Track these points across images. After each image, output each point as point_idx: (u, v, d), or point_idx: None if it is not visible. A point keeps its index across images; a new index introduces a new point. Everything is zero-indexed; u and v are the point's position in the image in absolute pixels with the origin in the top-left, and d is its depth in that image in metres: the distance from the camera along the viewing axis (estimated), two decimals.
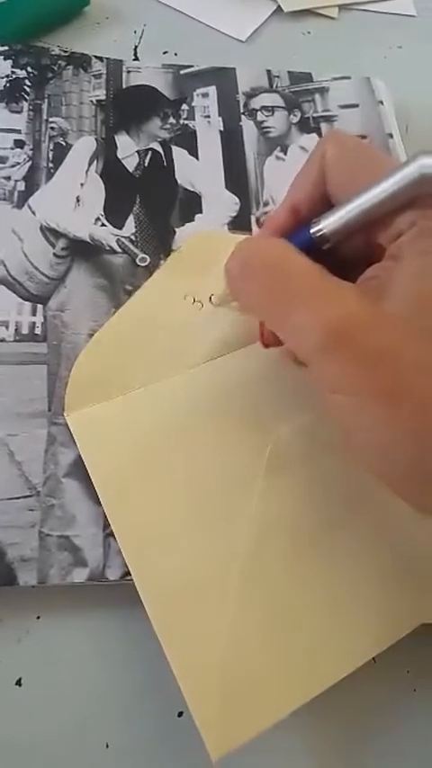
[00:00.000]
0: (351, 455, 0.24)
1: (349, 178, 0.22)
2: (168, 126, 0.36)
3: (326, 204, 0.23)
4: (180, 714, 0.24)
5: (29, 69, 0.36)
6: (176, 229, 0.32)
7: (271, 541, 0.25)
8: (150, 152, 0.35)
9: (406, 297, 0.19)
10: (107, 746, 0.24)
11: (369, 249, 0.22)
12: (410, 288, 0.19)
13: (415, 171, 0.20)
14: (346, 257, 0.23)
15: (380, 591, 0.24)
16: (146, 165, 0.34)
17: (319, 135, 0.37)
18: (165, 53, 0.41)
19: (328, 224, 0.22)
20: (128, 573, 0.24)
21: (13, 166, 0.33)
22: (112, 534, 0.25)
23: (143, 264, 0.31)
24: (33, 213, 0.31)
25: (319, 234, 0.22)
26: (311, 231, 0.22)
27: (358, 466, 0.24)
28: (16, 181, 0.32)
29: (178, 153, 0.35)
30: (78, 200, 0.32)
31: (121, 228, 0.32)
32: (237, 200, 0.34)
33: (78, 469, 0.26)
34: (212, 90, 0.38)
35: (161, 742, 0.24)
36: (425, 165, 0.20)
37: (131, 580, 0.24)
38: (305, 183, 0.24)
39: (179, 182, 0.34)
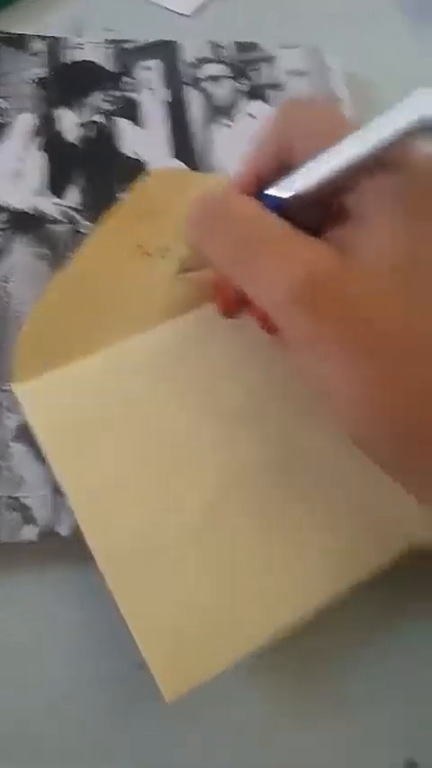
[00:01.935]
0: (323, 413, 0.23)
1: (309, 142, 0.21)
2: (111, 98, 0.35)
3: (286, 169, 0.22)
4: (140, 666, 0.23)
5: None
6: (120, 197, 0.31)
7: (225, 494, 0.24)
8: (93, 124, 0.34)
9: (374, 257, 0.19)
10: (67, 700, 0.23)
11: (328, 212, 0.21)
12: (379, 248, 0.19)
13: (412, 114, 0.18)
14: (305, 222, 0.21)
15: (332, 540, 0.23)
16: (89, 136, 0.33)
17: (267, 102, 0.36)
18: (109, 30, 0.40)
19: (289, 186, 0.21)
20: (78, 529, 0.23)
21: None
22: (61, 494, 0.24)
23: (87, 232, 0.30)
24: None
25: (281, 198, 0.21)
26: (272, 194, 0.21)
27: (327, 424, 0.23)
28: None
29: (121, 124, 0.34)
30: (19, 174, 0.31)
31: (63, 198, 0.31)
32: (184, 166, 0.33)
33: (26, 433, 0.25)
34: (156, 63, 0.37)
35: (122, 695, 0.23)
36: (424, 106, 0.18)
37: (82, 535, 0.23)
38: (266, 150, 0.23)
39: (123, 151, 0.33)
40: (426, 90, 0.18)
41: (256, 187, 0.23)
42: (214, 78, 0.37)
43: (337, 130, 0.20)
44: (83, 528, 0.23)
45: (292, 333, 0.19)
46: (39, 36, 0.37)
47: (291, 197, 0.21)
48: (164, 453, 0.24)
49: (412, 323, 0.18)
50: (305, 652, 0.24)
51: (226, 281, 0.25)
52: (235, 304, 0.26)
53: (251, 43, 0.38)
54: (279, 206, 0.21)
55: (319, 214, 0.21)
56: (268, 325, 0.25)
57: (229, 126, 0.35)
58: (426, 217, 0.19)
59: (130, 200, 0.30)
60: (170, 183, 0.31)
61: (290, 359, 0.20)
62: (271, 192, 0.21)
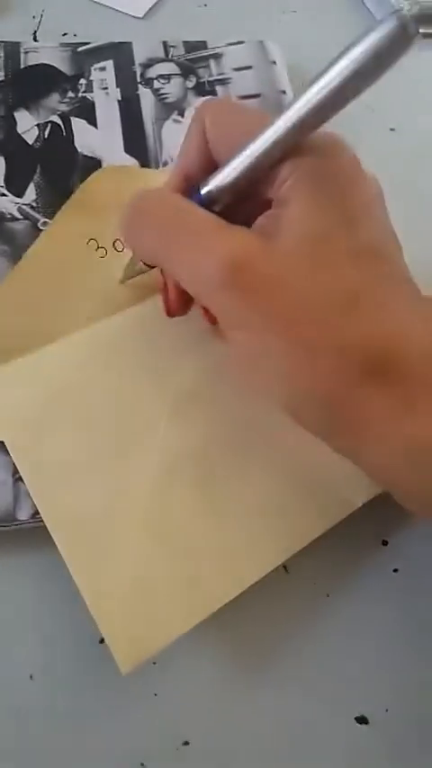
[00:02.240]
0: (253, 388, 0.25)
1: (231, 139, 0.23)
2: (67, 100, 0.37)
3: (215, 168, 0.23)
4: (101, 641, 0.25)
5: None
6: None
7: (174, 471, 0.26)
8: (50, 125, 0.36)
9: (296, 236, 0.20)
10: (31, 678, 0.24)
11: (261, 207, 0.23)
12: (299, 227, 0.20)
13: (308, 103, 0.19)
14: (241, 215, 0.23)
15: (280, 503, 0.25)
16: (45, 136, 0.35)
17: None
18: (64, 35, 0.42)
19: (214, 184, 0.23)
20: (37, 512, 0.25)
21: None
22: (20, 479, 0.26)
23: (44, 228, 0.32)
24: None
25: (207, 194, 0.23)
26: (201, 191, 0.23)
27: (259, 397, 0.25)
28: None
29: (77, 123, 0.36)
30: None
31: (21, 197, 0.33)
32: (136, 162, 0.35)
33: None
34: (109, 64, 0.39)
35: (85, 669, 0.24)
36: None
37: (41, 520, 0.25)
38: (191, 149, 0.24)
39: (79, 149, 0.35)
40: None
41: (187, 186, 0.24)
42: (164, 77, 0.38)
43: (255, 124, 0.21)
44: (39, 508, 0.24)
45: (220, 316, 0.20)
46: None
47: (207, 192, 0.22)
48: (115, 435, 0.26)
49: (321, 292, 0.19)
50: (254, 617, 0.25)
51: (168, 283, 0.27)
52: (178, 305, 0.27)
53: (200, 42, 0.40)
54: (203, 202, 0.23)
55: (253, 205, 0.23)
56: (209, 316, 0.27)
57: (179, 122, 0.37)
58: (332, 192, 0.20)
59: (82, 195, 0.32)
60: (121, 179, 0.33)
61: (226, 344, 0.21)
62: (194, 193, 0.23)
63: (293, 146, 0.21)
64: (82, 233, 0.31)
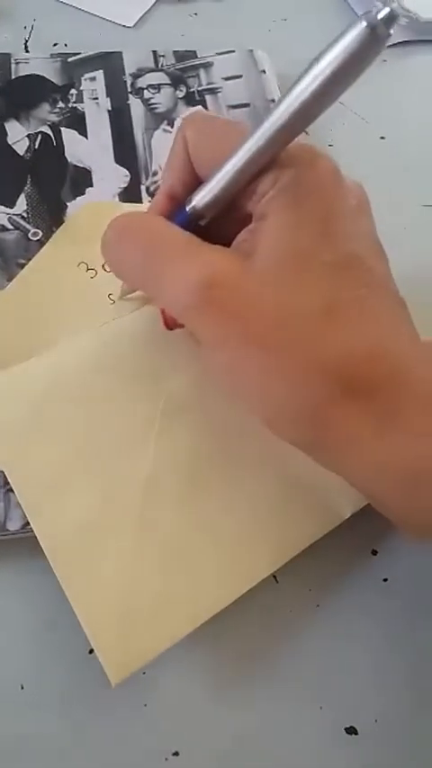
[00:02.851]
0: (235, 403, 0.25)
1: (213, 154, 0.23)
2: (58, 110, 0.37)
3: (199, 185, 0.23)
4: (91, 651, 0.25)
5: None
6: (68, 203, 0.33)
7: (165, 480, 0.26)
8: (40, 135, 0.36)
9: (272, 252, 0.20)
10: (22, 687, 0.24)
11: (245, 222, 0.23)
12: (275, 243, 0.20)
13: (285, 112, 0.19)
14: (225, 231, 0.23)
15: (269, 515, 0.25)
16: (36, 147, 0.35)
17: (205, 106, 0.38)
18: (55, 45, 0.42)
19: (197, 200, 0.23)
20: (28, 523, 0.25)
21: None
22: (11, 490, 0.26)
23: (35, 239, 0.32)
24: None
25: (193, 210, 0.23)
26: (187, 209, 0.23)
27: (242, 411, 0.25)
28: None
29: (68, 134, 0.36)
30: None
31: (12, 207, 0.33)
32: (126, 172, 0.35)
33: None
34: (100, 74, 0.39)
35: (74, 679, 0.25)
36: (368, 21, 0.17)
37: (32, 531, 0.25)
38: (175, 167, 0.24)
39: (69, 159, 0.35)
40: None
41: (172, 205, 0.24)
42: (154, 87, 0.39)
43: (236, 136, 0.21)
44: (30, 519, 0.24)
45: (198, 336, 0.20)
46: None
47: (191, 208, 0.23)
48: (106, 446, 0.26)
49: (296, 309, 0.19)
50: (244, 627, 0.25)
51: None
52: (174, 319, 0.27)
53: (190, 51, 0.41)
54: (189, 219, 0.23)
55: (238, 219, 0.23)
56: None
57: (169, 132, 0.37)
58: (310, 204, 0.20)
59: (67, 228, 0.32)
60: (105, 213, 0.33)
61: (206, 360, 0.22)
62: (181, 210, 0.23)
63: (274, 155, 0.21)
64: (72, 257, 0.31)
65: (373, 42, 0.17)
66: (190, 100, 0.38)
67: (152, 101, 0.38)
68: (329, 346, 0.19)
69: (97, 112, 0.37)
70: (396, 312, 0.20)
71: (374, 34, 0.17)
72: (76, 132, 0.36)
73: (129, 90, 0.38)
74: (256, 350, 0.19)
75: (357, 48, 0.17)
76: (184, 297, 0.19)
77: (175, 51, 0.40)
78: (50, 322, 0.30)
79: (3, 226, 0.32)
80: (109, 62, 0.39)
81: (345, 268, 0.20)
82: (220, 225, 0.23)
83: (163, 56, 0.40)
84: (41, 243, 0.32)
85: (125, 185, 0.35)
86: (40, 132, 0.36)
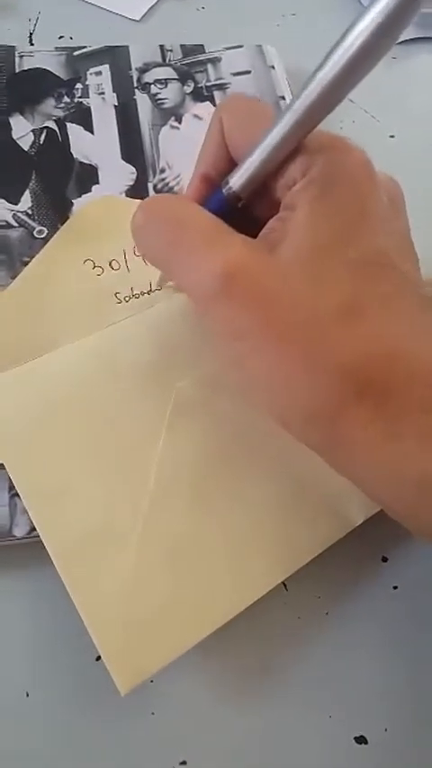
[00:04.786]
0: (249, 399, 0.25)
1: (249, 138, 0.22)
2: (63, 105, 0.36)
3: (233, 168, 0.23)
4: (98, 658, 0.24)
5: None
6: (73, 201, 0.33)
7: (174, 483, 0.25)
8: (45, 130, 0.35)
9: (297, 245, 0.20)
10: (27, 695, 0.24)
11: (278, 207, 0.22)
12: (302, 236, 0.20)
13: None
14: (263, 220, 0.22)
15: (280, 521, 0.25)
16: (41, 142, 0.35)
17: (213, 103, 0.38)
18: (60, 38, 0.41)
19: (235, 179, 0.22)
20: (34, 529, 0.24)
21: None
22: (17, 495, 0.25)
23: (41, 236, 0.31)
24: None
25: (229, 191, 0.22)
26: (223, 191, 0.22)
27: (256, 408, 0.25)
28: None
29: (73, 129, 0.35)
30: None
31: (17, 204, 0.32)
32: (133, 169, 0.34)
33: None
34: (106, 68, 0.38)
35: (81, 687, 0.24)
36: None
37: (38, 536, 0.24)
38: (209, 151, 0.24)
39: (75, 156, 0.34)
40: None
41: (207, 187, 0.24)
42: (161, 82, 0.38)
43: (270, 116, 0.21)
44: (36, 525, 0.24)
45: (215, 325, 0.20)
46: None
47: (227, 189, 0.22)
48: (113, 450, 0.26)
49: (316, 306, 0.19)
50: (253, 635, 0.25)
51: None
52: None
53: (197, 45, 0.40)
54: (225, 201, 0.22)
55: (270, 205, 0.22)
56: None
57: (176, 128, 0.36)
58: (338, 198, 0.20)
59: (73, 224, 0.31)
60: (111, 209, 0.32)
61: (220, 353, 0.21)
62: (217, 192, 0.23)
63: (309, 131, 0.20)
64: (78, 255, 0.30)
65: (408, 5, 0.16)
66: (198, 95, 0.38)
67: (159, 96, 0.37)
68: (347, 346, 0.18)
69: (103, 108, 0.37)
70: (420, 313, 0.20)
71: None
72: (81, 128, 0.36)
73: (135, 85, 0.38)
74: (273, 344, 0.19)
75: (392, 12, 0.16)
76: (205, 285, 0.19)
77: (182, 45, 0.40)
78: (55, 321, 0.29)
79: (7, 223, 0.32)
80: (115, 56, 0.39)
81: (370, 265, 0.19)
82: (254, 210, 0.23)
83: (170, 50, 0.40)
84: (46, 241, 0.31)
85: (132, 183, 0.34)
86: (46, 127, 0.35)
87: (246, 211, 0.23)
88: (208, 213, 0.21)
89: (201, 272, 0.19)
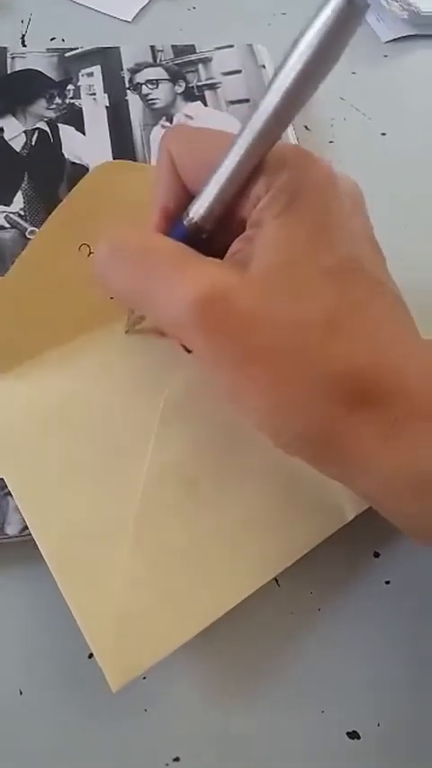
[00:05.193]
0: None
1: (200, 166, 0.22)
2: (54, 106, 0.36)
3: (191, 197, 0.22)
4: (90, 656, 0.24)
5: None
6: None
7: (165, 481, 0.26)
8: (37, 131, 0.35)
9: (269, 261, 0.19)
10: (20, 693, 0.24)
11: (243, 229, 0.22)
12: (273, 251, 0.19)
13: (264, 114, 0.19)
14: (223, 242, 0.22)
15: (271, 518, 0.25)
16: (33, 143, 0.35)
17: (204, 103, 0.38)
18: (52, 39, 0.41)
19: (194, 210, 0.22)
20: (26, 527, 0.25)
21: None
22: (9, 494, 0.25)
23: (32, 237, 0.31)
24: None
25: (191, 222, 0.22)
26: (184, 223, 0.22)
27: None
28: None
29: (65, 130, 0.36)
30: None
31: (9, 205, 0.32)
32: None
33: None
34: (97, 69, 0.38)
35: (73, 684, 0.24)
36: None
37: (30, 535, 0.24)
38: (164, 184, 0.23)
39: (66, 156, 0.35)
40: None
41: (167, 221, 0.23)
42: (152, 82, 0.38)
43: (220, 143, 0.20)
44: (29, 524, 0.24)
45: (196, 355, 0.19)
46: None
47: (188, 222, 0.22)
48: (104, 449, 0.26)
49: (299, 321, 0.18)
50: (245, 631, 0.25)
51: None
52: None
53: (188, 45, 0.40)
54: (188, 233, 0.22)
55: (233, 230, 0.22)
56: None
57: (168, 128, 0.37)
58: (304, 209, 0.20)
59: (71, 200, 0.31)
60: (112, 177, 0.31)
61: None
62: (178, 224, 0.22)
63: (265, 153, 0.20)
64: (73, 238, 0.30)
65: (351, 14, 0.16)
66: (189, 95, 0.38)
67: (150, 96, 0.38)
68: (333, 360, 0.18)
69: (95, 108, 0.37)
70: (397, 313, 0.20)
71: (353, 5, 0.16)
72: (73, 129, 0.36)
73: (127, 85, 0.38)
74: (258, 368, 0.18)
75: (336, 21, 0.16)
76: (179, 315, 0.18)
77: (173, 46, 0.40)
78: (50, 313, 0.29)
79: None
80: (107, 57, 0.39)
81: (344, 272, 0.19)
82: (219, 235, 0.22)
83: (161, 50, 0.40)
84: None
85: None
86: (37, 128, 0.35)
87: (209, 240, 0.22)
88: (174, 241, 0.21)
89: (172, 302, 0.18)
